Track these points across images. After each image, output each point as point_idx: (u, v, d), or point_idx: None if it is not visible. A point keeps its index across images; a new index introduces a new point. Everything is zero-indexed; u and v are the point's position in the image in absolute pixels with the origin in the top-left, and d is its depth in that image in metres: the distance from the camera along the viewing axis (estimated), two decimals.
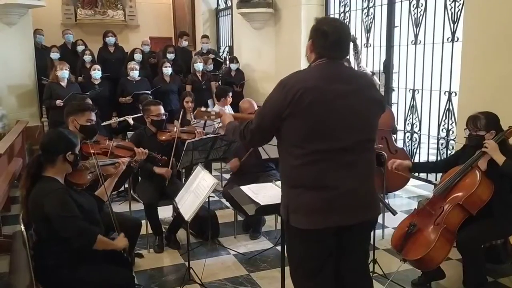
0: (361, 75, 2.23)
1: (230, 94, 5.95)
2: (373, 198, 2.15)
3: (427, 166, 3.53)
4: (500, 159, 2.90)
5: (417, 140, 5.49)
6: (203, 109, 2.63)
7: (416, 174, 5.04)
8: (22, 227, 2.53)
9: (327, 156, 1.99)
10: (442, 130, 5.06)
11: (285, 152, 2.09)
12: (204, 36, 8.40)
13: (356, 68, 5.03)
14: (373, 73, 5.25)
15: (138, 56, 7.27)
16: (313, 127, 1.98)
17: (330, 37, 2.04)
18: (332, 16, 6.96)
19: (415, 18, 5.31)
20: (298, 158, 2.02)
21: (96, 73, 6.49)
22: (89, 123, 3.40)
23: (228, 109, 5.84)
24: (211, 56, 8.04)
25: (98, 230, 2.59)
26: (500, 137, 2.97)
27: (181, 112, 4.49)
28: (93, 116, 3.49)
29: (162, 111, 4.17)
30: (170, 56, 7.44)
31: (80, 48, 7.62)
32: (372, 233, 2.26)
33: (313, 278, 2.12)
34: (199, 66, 7.11)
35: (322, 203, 2.01)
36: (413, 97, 5.40)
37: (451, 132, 4.96)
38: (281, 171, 2.16)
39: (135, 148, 3.48)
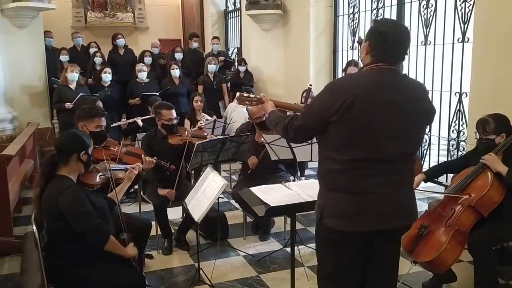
0: (415, 85, 2.12)
1: None
2: (411, 204, 2.13)
3: (439, 170, 3.47)
4: (503, 170, 2.89)
5: (427, 141, 5.45)
6: (245, 94, 2.54)
7: None
8: (34, 228, 2.55)
9: (367, 164, 1.97)
10: (453, 131, 5.03)
11: (326, 155, 2.05)
12: (215, 37, 8.41)
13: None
14: None
15: (148, 60, 7.31)
16: (357, 136, 1.95)
17: (388, 38, 1.97)
18: (340, 17, 6.95)
19: (425, 19, 5.28)
20: (338, 163, 1.99)
21: (107, 77, 6.52)
22: (98, 129, 3.40)
23: (239, 108, 5.88)
24: (221, 58, 8.06)
25: (111, 231, 2.62)
26: (508, 142, 2.94)
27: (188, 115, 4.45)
28: (103, 122, 3.50)
29: (174, 115, 4.14)
30: (178, 56, 7.47)
31: (92, 50, 7.66)
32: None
33: (336, 279, 2.12)
34: (212, 67, 7.14)
35: (357, 207, 1.99)
36: None
37: (461, 133, 4.92)
38: (320, 172, 2.13)
39: (142, 156, 3.48)
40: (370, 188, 1.99)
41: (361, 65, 5.39)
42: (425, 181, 3.30)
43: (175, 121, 4.16)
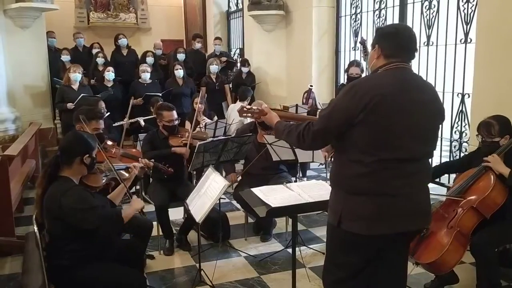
0: (429, 84, 2.17)
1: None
2: (428, 205, 2.15)
3: (442, 169, 3.48)
4: (505, 171, 2.87)
5: None
6: (248, 106, 2.49)
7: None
8: (35, 228, 2.56)
9: (392, 165, 1.96)
10: (455, 132, 5.01)
11: (350, 158, 2.01)
12: (217, 38, 8.42)
13: (365, 69, 5.00)
14: None
15: (150, 60, 7.32)
16: (383, 136, 1.93)
17: (398, 37, 2.01)
18: (343, 17, 6.95)
19: (427, 20, 5.26)
20: (365, 166, 1.96)
21: (110, 75, 6.55)
22: (95, 132, 3.40)
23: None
24: (224, 59, 8.07)
25: (117, 210, 2.63)
26: (510, 144, 2.93)
27: (195, 118, 4.48)
28: (101, 124, 3.50)
29: (175, 116, 4.15)
30: (180, 56, 7.47)
31: (95, 51, 7.68)
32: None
33: (348, 282, 2.12)
34: (214, 68, 7.14)
35: (381, 209, 1.98)
36: None
37: (464, 134, 4.90)
38: (339, 176, 2.09)
39: (140, 159, 3.48)
40: (393, 189, 1.98)
41: (364, 65, 5.41)
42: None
43: (176, 122, 4.16)
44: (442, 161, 5.48)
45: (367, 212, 1.99)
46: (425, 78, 5.26)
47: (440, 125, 2.21)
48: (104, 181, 2.85)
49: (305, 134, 2.07)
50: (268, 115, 2.38)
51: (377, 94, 1.90)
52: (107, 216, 2.55)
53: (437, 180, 5.19)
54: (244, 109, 2.46)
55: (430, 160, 2.16)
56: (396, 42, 2.01)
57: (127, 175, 3.11)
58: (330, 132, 2.04)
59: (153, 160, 3.54)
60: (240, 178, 4.35)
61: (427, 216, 2.16)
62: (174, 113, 4.15)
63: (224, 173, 4.50)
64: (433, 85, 2.26)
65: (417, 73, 2.18)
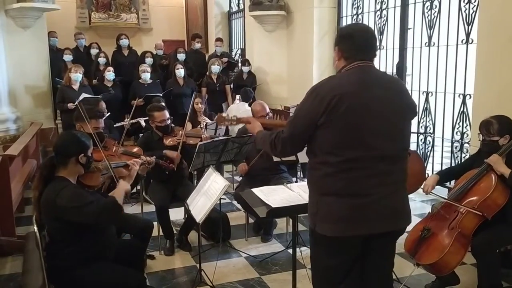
0: (395, 79, 2.16)
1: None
2: (406, 206, 2.11)
3: (445, 176, 3.45)
4: (506, 171, 2.87)
5: (431, 143, 5.43)
6: (223, 115, 2.56)
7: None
8: (35, 228, 2.55)
9: (362, 164, 1.95)
10: (456, 133, 5.00)
11: (317, 160, 2.02)
12: (218, 39, 8.40)
13: None
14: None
15: (149, 60, 7.31)
16: (349, 134, 1.92)
17: (355, 36, 2.02)
18: (344, 18, 6.95)
19: (428, 20, 5.26)
20: (332, 166, 1.96)
21: (110, 75, 6.56)
22: (95, 131, 3.38)
23: (243, 107, 6.05)
24: (225, 59, 8.07)
25: (111, 198, 2.58)
26: (510, 145, 2.92)
27: (188, 113, 4.45)
28: (101, 123, 3.48)
29: (166, 116, 4.12)
30: (181, 56, 7.48)
31: (94, 51, 7.68)
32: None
33: (335, 286, 2.09)
34: (216, 68, 7.15)
35: (353, 210, 1.96)
36: (426, 100, 5.35)
37: (465, 135, 4.89)
38: (311, 179, 2.09)
39: (141, 156, 3.47)
40: (365, 189, 1.96)
41: None
42: (439, 183, 3.27)
43: (168, 122, 4.14)
44: (443, 162, 5.49)
45: (340, 212, 1.97)
46: (426, 79, 5.32)
47: (412, 120, 2.15)
48: (101, 180, 2.83)
49: (276, 142, 2.10)
50: (251, 124, 2.44)
51: (336, 94, 1.90)
52: (104, 206, 2.51)
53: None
54: (221, 117, 2.55)
55: (405, 156, 2.10)
56: (353, 45, 2.02)
57: (126, 172, 3.09)
58: (297, 138, 2.05)
59: (154, 157, 3.53)
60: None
61: (405, 216, 2.11)
62: (165, 112, 4.13)
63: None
64: (401, 80, 2.24)
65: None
